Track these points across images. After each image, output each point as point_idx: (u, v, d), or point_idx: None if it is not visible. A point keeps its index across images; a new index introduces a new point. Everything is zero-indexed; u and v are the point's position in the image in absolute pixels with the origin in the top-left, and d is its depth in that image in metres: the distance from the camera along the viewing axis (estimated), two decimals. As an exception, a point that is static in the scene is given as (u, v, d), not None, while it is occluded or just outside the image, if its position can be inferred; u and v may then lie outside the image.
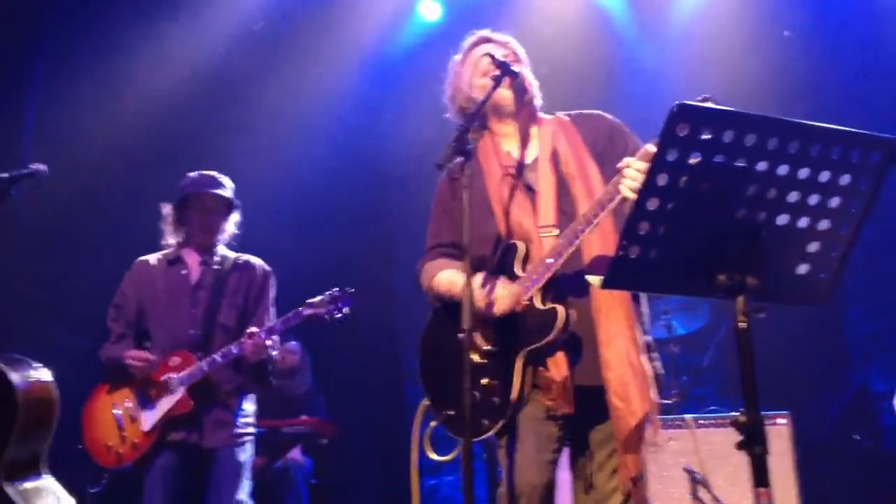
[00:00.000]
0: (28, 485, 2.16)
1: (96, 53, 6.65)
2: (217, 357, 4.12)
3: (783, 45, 6.70)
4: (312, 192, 7.26)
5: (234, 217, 4.44)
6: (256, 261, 4.51)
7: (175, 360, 4.19)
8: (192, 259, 4.40)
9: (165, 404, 4.16)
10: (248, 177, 6.90)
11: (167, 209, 4.40)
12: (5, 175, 3.56)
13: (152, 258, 4.45)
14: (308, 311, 4.16)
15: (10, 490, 2.05)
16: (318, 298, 4.20)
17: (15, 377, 2.09)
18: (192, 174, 4.42)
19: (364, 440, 7.01)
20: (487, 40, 3.15)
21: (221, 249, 4.45)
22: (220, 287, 4.33)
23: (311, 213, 7.33)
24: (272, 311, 4.41)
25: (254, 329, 4.13)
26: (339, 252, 7.23)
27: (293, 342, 6.73)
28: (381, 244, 7.43)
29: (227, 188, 4.41)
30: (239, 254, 4.50)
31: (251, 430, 4.36)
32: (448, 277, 3.04)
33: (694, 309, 6.07)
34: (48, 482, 2.24)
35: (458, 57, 3.19)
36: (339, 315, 4.19)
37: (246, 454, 4.27)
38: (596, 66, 6.67)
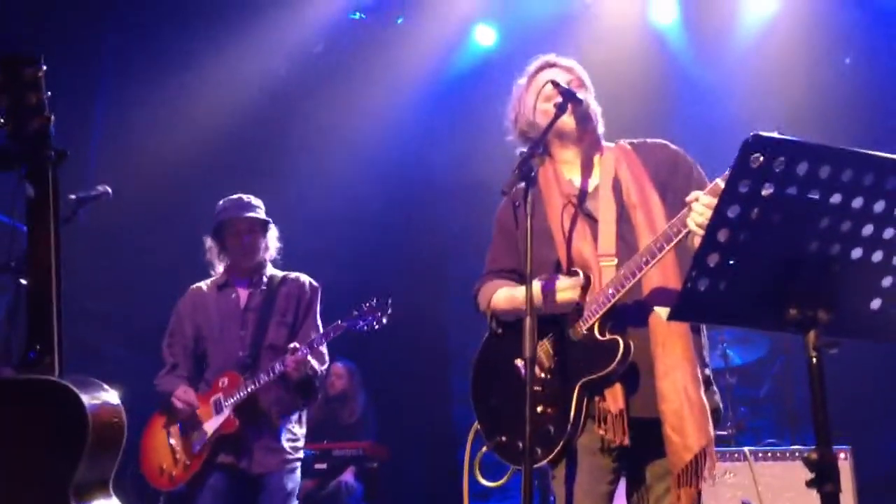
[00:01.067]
0: (96, 506, 2.18)
1: (162, 71, 6.79)
2: (262, 376, 4.18)
3: (844, 71, 6.61)
4: (367, 212, 7.31)
5: (273, 234, 4.50)
6: (303, 277, 4.57)
7: (224, 382, 4.28)
8: (240, 283, 4.48)
9: (213, 424, 4.24)
10: (304, 195, 7.04)
11: (208, 241, 4.49)
12: (73, 197, 3.64)
13: (204, 285, 4.55)
14: (346, 323, 4.23)
15: (78, 510, 2.08)
16: (356, 310, 4.26)
17: (86, 398, 2.11)
18: (222, 201, 4.50)
19: (414, 464, 6.99)
20: (553, 65, 3.14)
21: (269, 269, 4.52)
22: (267, 307, 4.40)
23: (364, 234, 7.38)
24: (318, 325, 4.45)
25: (295, 345, 4.19)
26: (391, 272, 7.25)
27: (340, 364, 6.74)
28: (433, 266, 7.44)
29: (258, 208, 4.48)
30: (287, 272, 4.56)
31: (300, 454, 4.40)
32: (507, 293, 3.03)
33: (751, 340, 5.98)
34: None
35: (522, 81, 3.18)
36: (377, 325, 4.27)
37: (294, 482, 4.33)
38: (653, 90, 6.63)
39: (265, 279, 4.47)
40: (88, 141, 6.97)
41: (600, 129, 3.13)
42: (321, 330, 4.39)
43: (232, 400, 4.22)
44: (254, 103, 7.04)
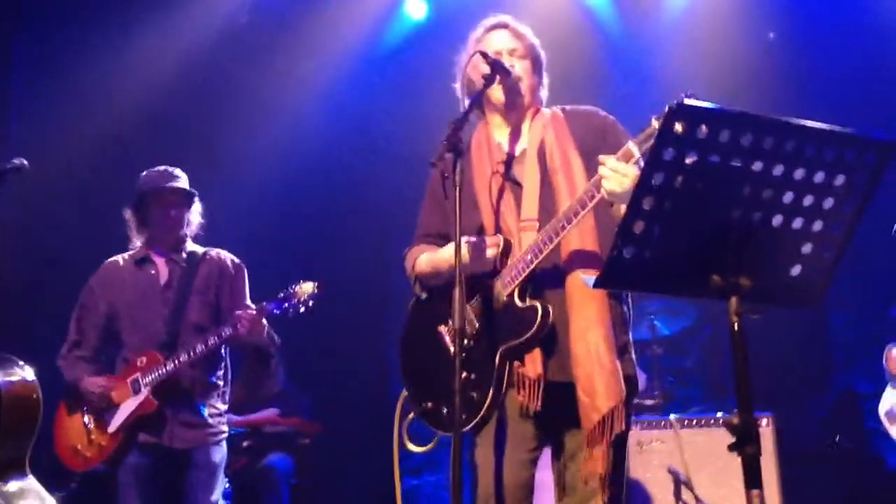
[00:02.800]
0: (12, 485, 2.12)
1: (83, 45, 6.61)
2: (182, 355, 4.08)
3: (768, 46, 6.73)
4: (300, 187, 7.22)
5: (197, 208, 4.39)
6: (225, 254, 4.46)
7: (142, 361, 4.17)
8: (159, 258, 4.35)
9: (130, 405, 4.13)
10: (235, 170, 6.93)
11: (128, 212, 4.35)
12: (-15, 169, 3.51)
13: (120, 259, 4.40)
14: (271, 305, 4.13)
15: (-7, 490, 2.02)
16: (282, 293, 4.17)
17: (-1, 375, 2.04)
18: (145, 172, 4.37)
19: (346, 439, 6.96)
20: (504, 26, 3.12)
21: (189, 245, 4.40)
22: (188, 284, 4.29)
23: (299, 209, 7.30)
24: (248, 304, 4.34)
25: (248, 305, 4.13)
26: (326, 248, 7.20)
27: None
28: (367, 242, 7.38)
29: (183, 179, 4.36)
30: (208, 248, 4.45)
31: (224, 428, 4.33)
32: (428, 255, 3.05)
33: (678, 310, 6.07)
34: (31, 483, 2.20)
35: (476, 35, 3.14)
36: (304, 309, 4.16)
37: (221, 455, 4.26)
38: (582, 65, 6.64)
39: (185, 254, 4.35)
40: (8, 117, 6.75)
41: (544, 94, 3.13)
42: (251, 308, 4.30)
43: (150, 379, 4.11)
44: (180, 77, 6.85)
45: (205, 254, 4.40)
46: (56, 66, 6.69)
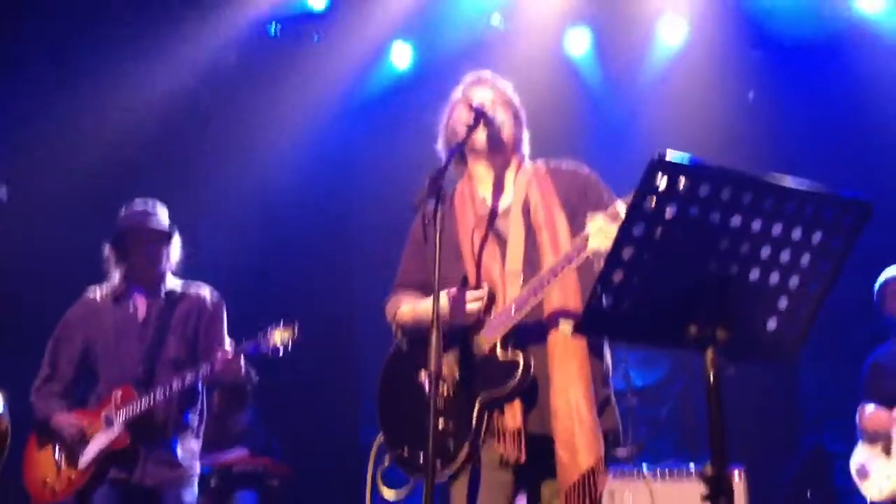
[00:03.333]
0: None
1: (72, 75, 6.65)
2: (158, 391, 4.06)
3: (748, 105, 6.85)
4: (278, 227, 7.24)
5: (176, 242, 4.38)
6: (205, 291, 4.44)
7: (117, 396, 4.14)
8: (138, 294, 4.34)
9: (102, 440, 4.10)
10: (215, 206, 6.95)
11: (106, 247, 4.34)
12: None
13: (98, 294, 4.38)
14: (247, 346, 4.11)
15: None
16: (261, 332, 4.13)
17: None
18: (125, 208, 4.38)
19: (316, 482, 6.89)
20: (484, 82, 3.17)
21: (169, 280, 4.38)
22: (166, 321, 4.28)
23: (276, 249, 7.30)
24: (224, 339, 4.33)
25: (228, 345, 4.12)
26: (300, 289, 7.18)
27: None
28: (342, 283, 7.40)
29: (162, 216, 4.35)
30: (188, 282, 4.43)
31: (197, 468, 4.29)
32: (411, 305, 3.06)
33: (653, 361, 6.11)
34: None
35: (458, 92, 3.20)
36: (282, 351, 4.14)
37: (191, 495, 4.22)
38: (564, 117, 6.73)
39: (164, 291, 4.34)
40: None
41: (525, 151, 3.17)
42: (228, 341, 4.28)
43: (124, 414, 4.08)
44: (165, 112, 6.89)
45: (184, 290, 4.38)
46: (41, 97, 6.69)
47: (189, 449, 4.23)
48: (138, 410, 4.06)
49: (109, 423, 4.08)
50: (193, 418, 4.28)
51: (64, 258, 5.92)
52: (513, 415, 2.83)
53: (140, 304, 4.31)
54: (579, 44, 7.17)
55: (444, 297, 2.81)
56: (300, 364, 7.09)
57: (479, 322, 2.91)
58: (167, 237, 4.33)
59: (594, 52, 7.21)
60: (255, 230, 7.15)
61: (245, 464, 6.32)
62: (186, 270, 4.48)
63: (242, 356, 4.12)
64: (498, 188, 3.12)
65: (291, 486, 6.53)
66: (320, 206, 7.39)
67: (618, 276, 1.96)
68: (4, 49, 6.72)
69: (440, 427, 2.85)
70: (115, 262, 4.32)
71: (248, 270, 6.97)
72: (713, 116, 6.55)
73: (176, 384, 4.04)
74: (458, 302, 2.86)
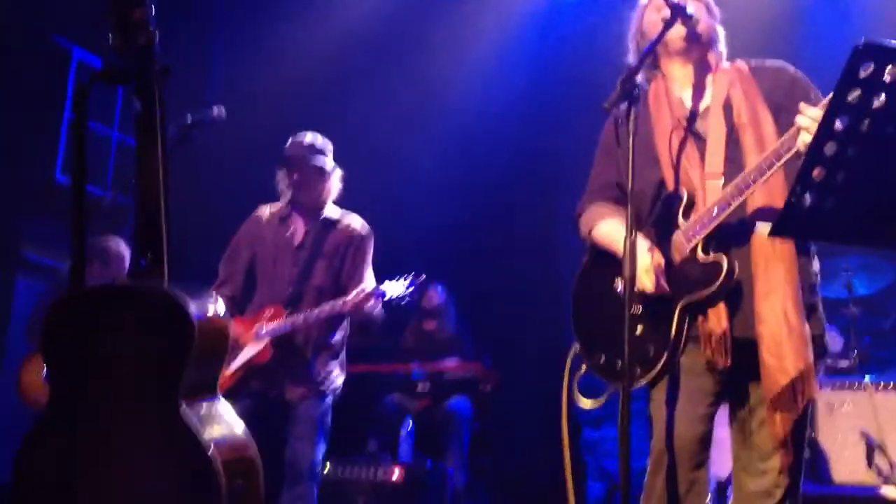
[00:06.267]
0: (204, 406, 2.30)
1: (270, 16, 7.07)
2: (302, 316, 4.28)
3: None
4: (475, 139, 7.32)
5: (337, 177, 4.57)
6: (356, 222, 4.59)
7: (268, 312, 4.39)
8: (298, 219, 4.56)
9: (249, 351, 4.35)
10: (410, 122, 7.15)
11: (279, 172, 4.59)
12: (188, 118, 3.74)
13: (266, 212, 4.63)
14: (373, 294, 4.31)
15: (184, 411, 2.20)
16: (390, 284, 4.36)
17: (193, 307, 2.23)
18: (292, 138, 4.58)
19: (526, 388, 7.03)
20: None
21: (328, 209, 4.57)
22: (318, 249, 4.48)
23: (474, 160, 7.39)
24: (369, 271, 4.51)
25: (357, 290, 4.28)
26: (499, 202, 7.29)
27: (437, 284, 6.91)
28: (542, 193, 7.37)
29: (321, 154, 4.51)
30: (346, 213, 4.61)
31: (332, 387, 4.43)
32: (608, 231, 2.99)
33: (878, 268, 5.73)
34: (221, 406, 2.38)
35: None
36: (405, 300, 4.39)
37: (320, 408, 4.36)
38: (776, 13, 6.32)
39: (322, 218, 4.55)
40: (207, 67, 7.19)
41: (721, 49, 3.03)
42: (369, 275, 4.48)
43: (271, 330, 4.32)
44: (352, 42, 7.20)
45: (338, 220, 4.57)
46: (248, 32, 7.19)
47: (326, 368, 4.42)
48: (282, 331, 4.31)
49: (259, 336, 4.34)
50: (332, 340, 4.46)
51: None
52: (718, 318, 2.74)
53: (299, 228, 4.54)
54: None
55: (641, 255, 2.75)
56: (501, 273, 7.27)
57: (677, 225, 2.83)
58: (321, 173, 4.52)
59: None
60: (446, 152, 7.29)
61: (456, 370, 6.56)
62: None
63: (371, 300, 4.30)
64: (698, 88, 2.98)
65: (502, 392, 6.71)
66: (514, 115, 7.37)
67: (819, 173, 1.86)
68: None
69: (639, 332, 2.83)
70: (284, 185, 4.57)
71: (442, 192, 7.16)
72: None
73: (315, 313, 4.26)
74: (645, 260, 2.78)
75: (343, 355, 4.56)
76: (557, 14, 7.37)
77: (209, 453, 2.15)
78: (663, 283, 2.79)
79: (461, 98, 7.20)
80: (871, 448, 4.65)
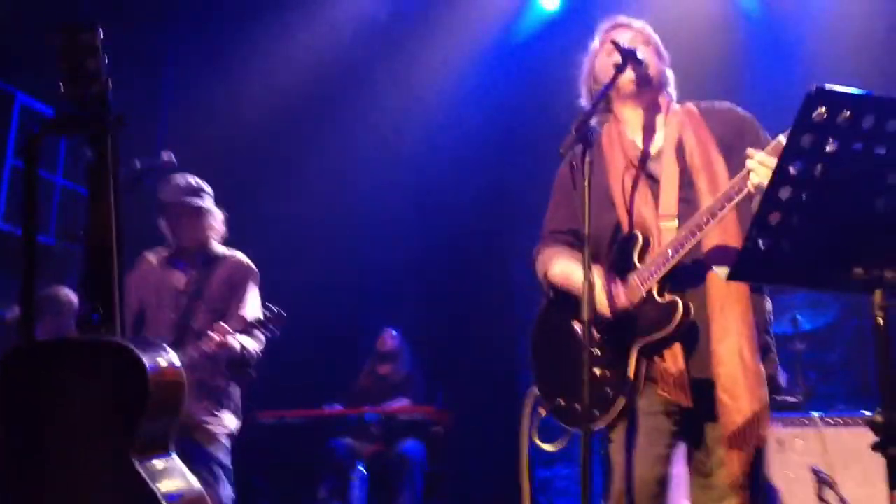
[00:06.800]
0: (156, 462, 2.23)
1: (226, 46, 6.98)
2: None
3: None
4: (430, 181, 7.33)
5: (216, 217, 4.47)
6: (238, 258, 4.51)
7: None
8: (182, 261, 4.45)
9: None
10: (368, 157, 7.12)
11: (159, 218, 4.48)
12: (137, 164, 3.69)
13: (154, 257, 4.52)
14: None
15: (139, 467, 2.14)
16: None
17: (147, 360, 2.17)
18: (166, 182, 4.45)
19: (478, 430, 7.01)
20: (622, 26, 3.09)
21: (214, 248, 4.49)
22: (199, 291, 4.37)
23: (429, 201, 7.40)
24: (246, 308, 4.38)
25: (220, 324, 4.17)
26: (456, 240, 7.29)
27: (392, 328, 6.93)
28: (498, 233, 7.42)
29: (195, 196, 4.42)
30: (229, 251, 4.52)
31: (221, 429, 4.32)
32: (564, 270, 3.01)
33: (823, 304, 5.84)
34: (174, 462, 2.31)
35: (595, 42, 3.14)
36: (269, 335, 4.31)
37: (216, 453, 4.26)
38: (721, 54, 6.47)
39: (205, 259, 4.46)
40: (156, 113, 7.11)
41: (671, 92, 3.08)
42: (247, 309, 4.35)
43: None
44: (315, 73, 7.12)
45: (222, 256, 4.48)
46: (200, 67, 7.08)
47: (214, 411, 4.30)
48: None
49: None
50: (218, 383, 4.33)
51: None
52: (674, 359, 2.76)
53: (181, 274, 4.44)
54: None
55: (597, 278, 2.78)
56: (460, 316, 7.25)
57: (632, 266, 2.86)
58: (198, 213, 4.43)
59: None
60: (408, 188, 7.28)
61: (408, 412, 6.51)
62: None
63: (238, 332, 4.20)
64: (648, 130, 3.03)
65: (455, 433, 6.67)
66: (473, 160, 7.41)
67: (774, 218, 1.89)
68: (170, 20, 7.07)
69: (598, 374, 2.83)
70: (166, 231, 4.47)
71: (403, 227, 7.12)
72: (885, 49, 6.11)
73: (182, 359, 4.12)
74: (607, 291, 2.81)
75: (236, 397, 4.42)
76: (509, 55, 7.46)
77: (166, 510, 2.09)
78: (623, 299, 2.81)
79: (415, 141, 7.22)
80: (822, 484, 4.69)
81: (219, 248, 4.52)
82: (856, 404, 5.46)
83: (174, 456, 2.29)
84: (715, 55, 6.48)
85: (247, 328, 4.22)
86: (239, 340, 4.23)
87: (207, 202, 4.47)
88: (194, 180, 4.48)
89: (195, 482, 2.33)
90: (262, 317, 4.24)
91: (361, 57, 7.32)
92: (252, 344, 4.31)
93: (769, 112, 3.06)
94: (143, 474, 2.12)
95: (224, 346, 4.15)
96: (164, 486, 2.16)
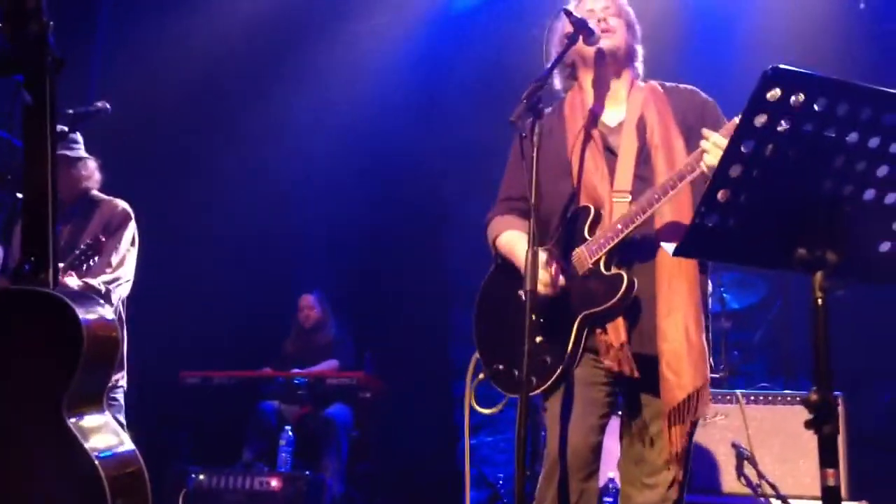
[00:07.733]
0: (88, 420, 2.17)
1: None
2: None
3: (859, 15, 6.50)
4: (362, 146, 7.27)
5: (88, 166, 4.48)
6: (116, 203, 4.52)
7: None
8: (63, 216, 4.40)
9: None
10: (300, 120, 7.01)
11: None
12: (71, 111, 3.58)
13: None
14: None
15: (71, 423, 2.08)
16: None
17: (81, 312, 2.10)
18: None
19: (407, 396, 7.03)
20: None
21: (94, 196, 4.49)
22: (77, 239, 4.33)
23: (363, 166, 7.34)
24: (116, 251, 4.38)
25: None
26: (389, 207, 7.26)
27: (309, 296, 6.88)
28: (431, 201, 7.41)
29: (70, 147, 4.39)
30: (109, 198, 4.52)
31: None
32: (508, 240, 3.02)
33: (749, 284, 5.97)
34: (108, 419, 2.25)
35: (571, 6, 3.08)
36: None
37: (113, 410, 4.21)
38: (667, 30, 6.50)
39: (83, 208, 4.45)
40: (89, 59, 6.91)
41: (639, 67, 3.09)
42: (117, 256, 4.35)
43: None
44: (247, 34, 7.06)
45: (100, 202, 4.48)
46: (139, 6, 6.86)
47: None
48: None
49: None
50: None
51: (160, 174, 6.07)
52: (616, 332, 2.78)
53: (65, 227, 4.40)
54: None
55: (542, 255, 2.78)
56: (388, 282, 7.24)
57: (582, 239, 2.87)
58: (79, 161, 4.43)
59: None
60: (344, 154, 7.21)
61: (337, 377, 6.49)
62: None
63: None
64: (612, 103, 3.03)
65: (383, 399, 6.68)
66: (412, 122, 7.36)
67: (723, 195, 1.90)
68: None
69: (538, 342, 2.85)
70: None
71: (339, 194, 7.06)
72: (823, 28, 6.22)
73: None
74: (546, 270, 2.81)
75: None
76: (453, 23, 7.40)
77: (97, 468, 2.03)
78: (562, 282, 2.83)
79: (348, 105, 7.15)
80: (742, 459, 4.81)
81: (98, 195, 4.48)
82: (776, 383, 5.61)
83: (107, 413, 2.23)
84: (660, 35, 6.52)
85: (90, 288, 4.14)
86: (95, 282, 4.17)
87: (81, 151, 4.41)
88: (62, 129, 4.34)
89: (128, 441, 2.27)
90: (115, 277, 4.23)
91: (302, 17, 7.20)
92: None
93: (707, 90, 3.10)
94: (75, 431, 2.06)
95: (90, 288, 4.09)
96: (96, 444, 2.11)
